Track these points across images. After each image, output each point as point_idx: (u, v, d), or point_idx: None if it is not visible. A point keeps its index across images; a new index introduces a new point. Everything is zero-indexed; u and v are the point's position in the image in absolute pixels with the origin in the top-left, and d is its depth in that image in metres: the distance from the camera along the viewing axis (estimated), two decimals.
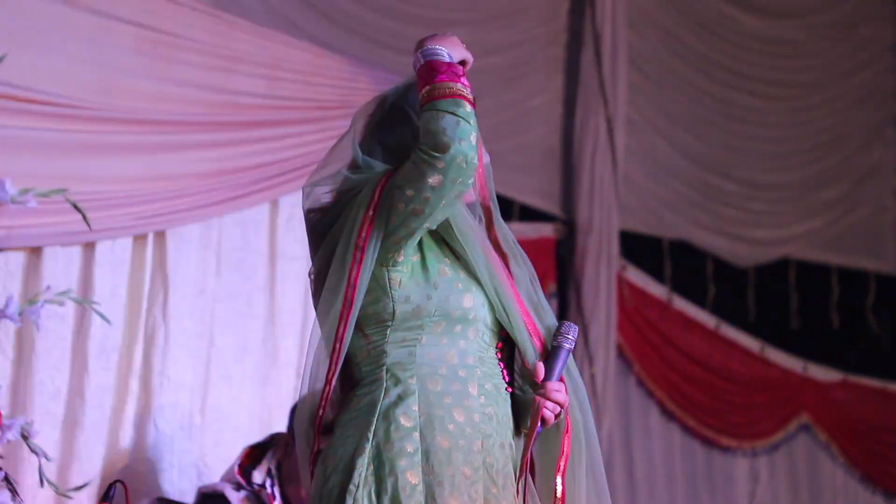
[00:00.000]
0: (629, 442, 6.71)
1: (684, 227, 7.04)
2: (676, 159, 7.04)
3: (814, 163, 7.50)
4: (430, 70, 2.85)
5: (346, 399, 2.87)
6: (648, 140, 6.94)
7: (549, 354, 2.93)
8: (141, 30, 4.65)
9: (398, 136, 2.96)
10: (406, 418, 2.79)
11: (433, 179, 2.77)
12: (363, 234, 2.83)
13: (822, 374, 7.39)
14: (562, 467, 2.93)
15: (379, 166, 2.91)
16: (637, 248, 6.88)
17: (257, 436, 4.65)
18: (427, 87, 2.82)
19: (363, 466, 2.77)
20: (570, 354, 2.95)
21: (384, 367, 2.84)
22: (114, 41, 4.59)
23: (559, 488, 2.93)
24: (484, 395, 2.87)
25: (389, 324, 2.86)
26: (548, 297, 6.48)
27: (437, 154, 2.74)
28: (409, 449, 2.77)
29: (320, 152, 5.10)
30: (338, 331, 2.85)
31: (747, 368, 7.17)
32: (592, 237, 6.58)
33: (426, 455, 2.78)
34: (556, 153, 6.71)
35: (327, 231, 2.93)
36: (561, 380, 2.90)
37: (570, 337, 2.94)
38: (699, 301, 7.09)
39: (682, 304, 7.02)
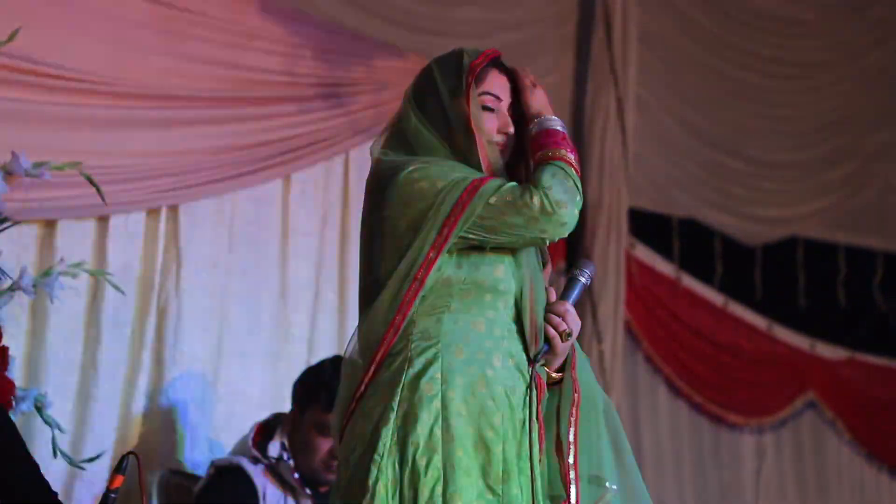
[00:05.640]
0: (637, 418, 6.74)
1: (693, 205, 7.05)
2: (686, 138, 7.05)
3: (823, 142, 7.51)
4: (559, 137, 3.00)
5: (378, 367, 2.89)
6: (658, 119, 6.95)
7: (565, 285, 3.02)
8: (155, 5, 4.67)
9: (429, 106, 3.00)
10: (429, 386, 2.82)
11: (522, 221, 2.85)
12: (420, 274, 2.86)
13: (829, 351, 7.42)
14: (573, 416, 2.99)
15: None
16: (646, 225, 6.89)
17: (269, 409, 4.68)
18: (556, 150, 2.96)
19: (387, 436, 2.80)
20: (583, 289, 3.04)
21: (410, 339, 2.87)
22: (128, 16, 4.62)
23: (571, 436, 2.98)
24: (507, 370, 2.90)
25: (420, 293, 2.88)
26: (557, 274, 6.54)
27: (557, 208, 2.83)
28: (429, 417, 2.80)
29: (333, 129, 5.19)
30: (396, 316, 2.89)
31: (755, 346, 7.19)
32: (602, 215, 6.59)
33: (446, 422, 2.81)
34: (566, 132, 6.71)
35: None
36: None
37: (586, 272, 3.04)
38: (707, 279, 7.11)
39: (690, 282, 7.03)
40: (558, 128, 3.02)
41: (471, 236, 2.87)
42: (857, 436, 7.44)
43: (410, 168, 2.89)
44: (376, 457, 2.80)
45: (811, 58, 7.50)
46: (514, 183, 2.89)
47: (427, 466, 2.78)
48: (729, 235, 7.18)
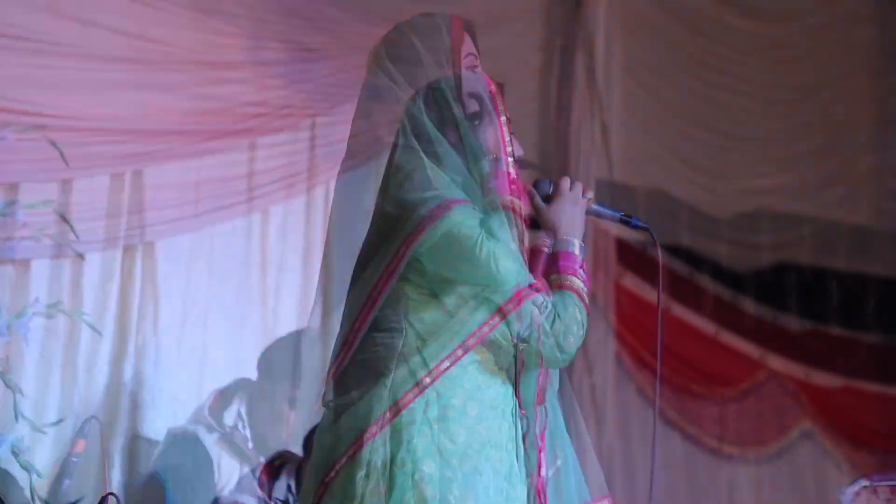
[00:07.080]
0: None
1: (660, 176, 7.06)
2: (655, 109, 7.05)
3: (790, 115, 7.53)
4: (571, 260, 2.94)
5: (363, 340, 2.86)
6: (628, 90, 6.95)
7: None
8: None
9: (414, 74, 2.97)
10: (426, 381, 2.77)
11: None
12: (374, 293, 2.82)
13: (792, 322, 7.44)
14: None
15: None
16: (613, 197, 6.89)
17: (232, 376, 4.68)
18: (566, 276, 2.89)
19: (378, 433, 2.75)
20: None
21: (402, 316, 2.84)
22: None
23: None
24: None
25: (373, 312, 2.83)
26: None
27: (561, 351, 2.79)
28: (426, 420, 2.76)
29: (301, 94, 5.17)
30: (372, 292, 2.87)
31: (713, 316, 7.18)
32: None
33: (444, 422, 2.77)
34: (535, 103, 6.71)
35: None
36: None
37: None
38: (674, 252, 7.12)
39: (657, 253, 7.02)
40: (576, 252, 2.97)
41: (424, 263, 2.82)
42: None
43: (399, 173, 2.85)
44: (367, 436, 2.74)
45: (777, 30, 7.51)
46: (474, 222, 2.80)
47: (431, 472, 2.74)
48: (696, 207, 7.19)
